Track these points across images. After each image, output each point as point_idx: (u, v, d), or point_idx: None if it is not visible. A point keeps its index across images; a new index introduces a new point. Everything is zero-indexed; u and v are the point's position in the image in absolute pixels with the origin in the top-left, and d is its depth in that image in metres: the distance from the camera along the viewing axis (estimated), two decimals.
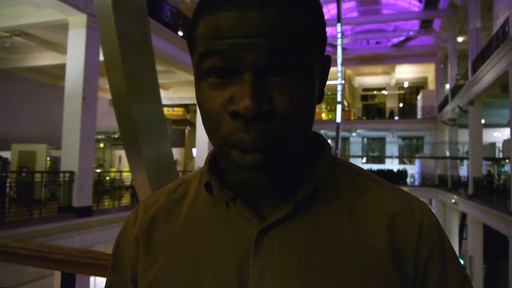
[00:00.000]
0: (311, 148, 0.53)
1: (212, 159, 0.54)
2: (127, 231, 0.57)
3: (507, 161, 16.05)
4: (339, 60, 16.54)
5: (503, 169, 17.25)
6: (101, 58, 3.71)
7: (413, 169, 23.74)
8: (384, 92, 28.63)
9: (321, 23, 0.46)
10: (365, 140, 28.52)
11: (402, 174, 21.92)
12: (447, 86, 20.47)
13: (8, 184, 7.53)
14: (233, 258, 0.47)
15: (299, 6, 0.42)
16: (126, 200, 10.31)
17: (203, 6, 0.44)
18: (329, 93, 27.24)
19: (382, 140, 27.64)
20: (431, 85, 24.79)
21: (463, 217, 16.41)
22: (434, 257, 0.48)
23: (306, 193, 0.48)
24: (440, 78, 22.56)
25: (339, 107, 15.57)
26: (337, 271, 0.45)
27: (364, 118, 25.76)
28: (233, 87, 0.42)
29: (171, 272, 0.50)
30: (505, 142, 16.63)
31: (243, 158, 0.43)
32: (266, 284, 0.45)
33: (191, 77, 11.53)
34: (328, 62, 0.49)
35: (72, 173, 7.85)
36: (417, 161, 23.94)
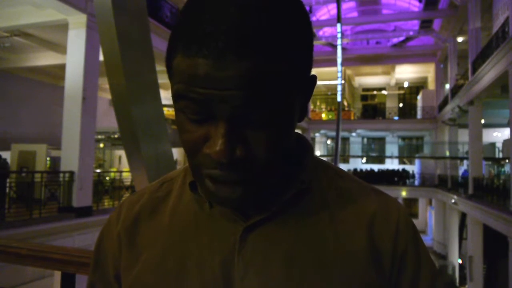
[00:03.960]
0: (294, 151, 0.54)
1: None
2: (110, 228, 0.57)
3: (507, 161, 16.04)
4: (339, 60, 16.51)
5: (502, 170, 17.25)
6: (101, 58, 3.72)
7: (413, 169, 23.73)
8: (384, 92, 28.63)
9: (307, 53, 0.45)
10: (365, 140, 28.53)
11: (402, 174, 21.91)
12: (447, 86, 20.47)
13: (8, 184, 7.52)
14: (218, 255, 0.49)
15: (281, 49, 0.40)
16: None
17: (180, 40, 0.41)
18: (329, 93, 27.28)
19: (382, 140, 27.64)
20: (431, 85, 24.79)
21: (463, 217, 16.41)
22: (409, 253, 0.51)
23: (291, 193, 0.49)
24: (440, 78, 22.56)
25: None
26: (319, 269, 0.47)
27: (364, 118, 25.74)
28: (209, 126, 0.42)
29: (156, 269, 0.50)
30: (505, 142, 16.63)
31: (216, 189, 0.44)
32: (250, 280, 0.47)
33: None
34: (313, 81, 0.48)
35: (72, 173, 7.85)
36: (417, 161, 23.94)
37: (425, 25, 20.99)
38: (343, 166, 26.20)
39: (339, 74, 16.60)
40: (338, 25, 15.59)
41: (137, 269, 0.52)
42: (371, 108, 26.88)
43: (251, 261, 0.48)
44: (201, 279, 0.48)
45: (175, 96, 0.43)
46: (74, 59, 8.02)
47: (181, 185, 0.57)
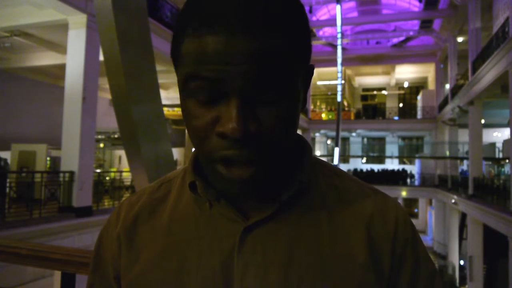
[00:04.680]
0: (294, 150, 0.54)
1: (196, 159, 0.55)
2: (110, 230, 0.58)
3: (507, 161, 16.04)
4: (339, 60, 16.52)
5: (502, 170, 17.25)
6: (101, 58, 3.72)
7: (413, 169, 23.72)
8: (384, 92, 28.62)
9: (307, 39, 0.47)
10: (365, 140, 28.53)
11: (402, 174, 21.91)
12: (447, 86, 20.47)
13: (8, 184, 7.52)
14: (218, 255, 0.49)
15: (286, 30, 0.42)
16: None
17: (188, 24, 0.42)
18: (329, 93, 27.27)
19: (382, 140, 27.64)
20: (431, 85, 24.78)
21: (463, 217, 16.41)
22: (407, 253, 0.51)
23: (290, 193, 0.49)
24: (440, 78, 22.56)
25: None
26: (318, 269, 0.48)
27: (363, 118, 25.73)
28: (220, 107, 0.43)
29: (155, 270, 0.51)
30: (505, 142, 16.63)
31: (230, 172, 0.44)
32: (249, 280, 0.47)
33: None
34: (311, 70, 0.50)
35: (72, 173, 7.84)
36: (417, 161, 23.94)
37: (425, 25, 20.99)
38: (343, 166, 26.20)
39: (339, 74, 16.61)
40: (338, 25, 15.58)
41: (136, 270, 0.52)
42: (371, 108, 26.88)
43: (251, 262, 0.48)
44: (201, 279, 0.48)
45: (185, 78, 0.44)
46: (74, 59, 8.02)
47: (180, 185, 0.57)
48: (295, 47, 0.43)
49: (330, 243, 0.49)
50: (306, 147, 0.55)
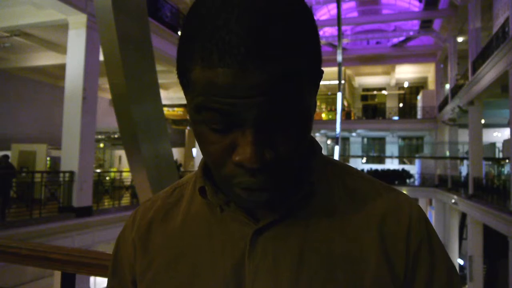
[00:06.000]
0: (304, 152, 0.53)
1: (206, 164, 0.55)
2: (126, 235, 0.59)
3: (507, 161, 16.05)
4: (339, 60, 16.50)
5: (502, 170, 17.25)
6: (101, 58, 3.72)
7: (413, 169, 23.74)
8: (384, 92, 28.62)
9: (319, 59, 0.46)
10: (365, 140, 28.53)
11: (402, 174, 21.93)
12: (447, 86, 20.47)
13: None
14: (229, 258, 0.49)
15: (301, 56, 0.41)
16: (126, 200, 10.32)
17: (196, 51, 0.40)
18: (329, 93, 27.27)
19: (382, 140, 27.65)
20: (431, 85, 24.79)
21: (463, 217, 16.41)
22: (423, 250, 0.50)
23: (300, 195, 0.49)
24: (440, 78, 22.56)
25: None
26: (329, 271, 0.47)
27: (364, 118, 25.74)
28: (235, 134, 0.42)
29: (168, 274, 0.51)
30: (505, 142, 16.63)
31: (250, 195, 0.44)
32: (261, 283, 0.47)
33: None
34: (321, 75, 0.49)
35: (72, 173, 7.85)
36: (417, 161, 23.95)
37: (425, 25, 20.99)
38: None
39: (339, 74, 16.58)
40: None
41: (150, 274, 0.52)
42: (371, 108, 26.89)
43: (261, 264, 0.47)
44: (213, 282, 0.48)
45: (197, 108, 0.42)
46: (74, 59, 8.03)
47: (192, 190, 0.57)
48: (309, 70, 0.43)
49: (341, 244, 0.48)
50: (316, 148, 0.54)
